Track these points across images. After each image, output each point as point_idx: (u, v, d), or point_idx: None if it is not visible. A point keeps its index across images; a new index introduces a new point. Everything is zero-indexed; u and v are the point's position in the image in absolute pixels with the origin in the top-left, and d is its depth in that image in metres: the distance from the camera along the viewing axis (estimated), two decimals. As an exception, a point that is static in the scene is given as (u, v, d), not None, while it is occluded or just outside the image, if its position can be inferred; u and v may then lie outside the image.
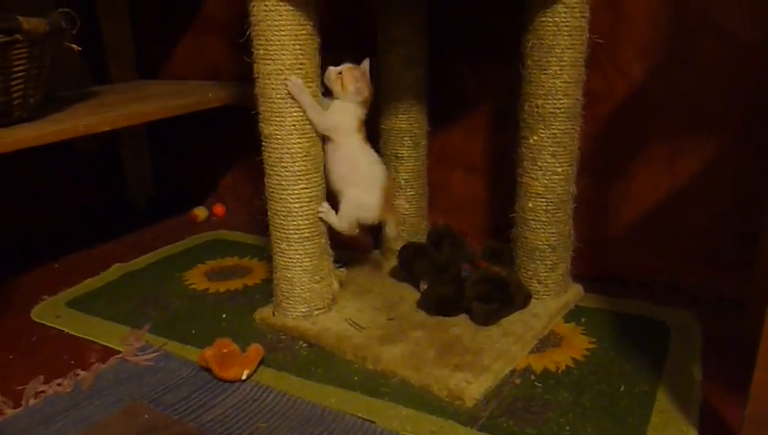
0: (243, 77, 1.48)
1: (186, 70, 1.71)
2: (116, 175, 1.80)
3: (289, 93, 0.98)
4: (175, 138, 1.77)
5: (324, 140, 1.06)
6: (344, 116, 1.07)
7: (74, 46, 1.14)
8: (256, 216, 1.58)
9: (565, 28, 1.00)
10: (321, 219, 1.07)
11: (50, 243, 1.55)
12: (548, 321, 1.08)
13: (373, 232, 1.41)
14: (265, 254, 1.30)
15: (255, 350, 0.99)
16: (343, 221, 1.09)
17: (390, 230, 1.15)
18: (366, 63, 1.09)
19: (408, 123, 1.24)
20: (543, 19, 1.01)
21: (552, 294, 1.13)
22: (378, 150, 1.24)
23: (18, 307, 1.22)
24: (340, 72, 1.07)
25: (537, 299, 1.12)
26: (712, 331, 1.07)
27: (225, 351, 0.98)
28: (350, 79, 1.06)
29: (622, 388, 0.91)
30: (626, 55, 1.15)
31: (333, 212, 1.09)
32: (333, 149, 1.07)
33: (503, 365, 0.95)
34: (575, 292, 1.17)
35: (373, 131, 1.20)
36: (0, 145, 0.98)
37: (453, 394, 0.89)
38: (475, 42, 1.28)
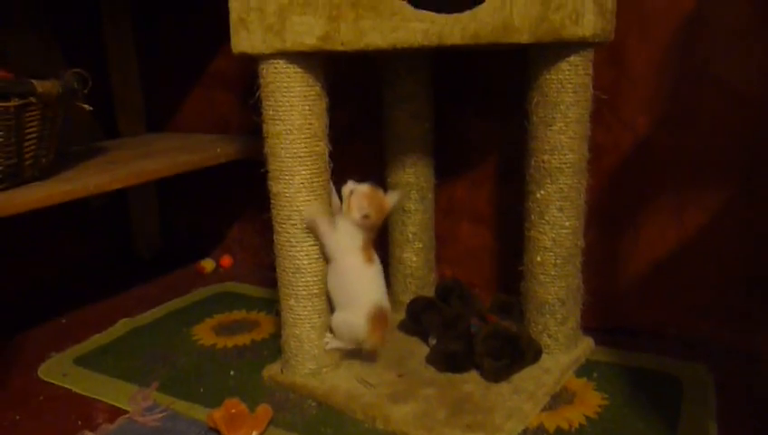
0: (251, 131, 1.51)
1: (194, 123, 1.74)
2: (123, 226, 1.81)
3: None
4: (182, 189, 1.79)
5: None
6: (344, 237, 1.04)
7: (86, 106, 1.16)
8: (263, 267, 1.59)
9: (569, 85, 1.01)
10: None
11: (57, 297, 1.55)
12: (559, 376, 1.06)
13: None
14: (274, 309, 1.29)
15: (264, 410, 0.98)
16: (341, 341, 1.08)
17: (367, 346, 1.08)
18: (391, 198, 1.09)
19: (414, 177, 1.25)
20: (548, 77, 1.02)
21: (563, 349, 1.12)
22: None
23: (25, 365, 1.21)
24: (351, 192, 1.05)
25: (548, 354, 1.11)
26: (725, 384, 1.05)
27: (234, 411, 0.97)
28: (356, 206, 1.03)
29: (637, 448, 0.90)
30: (630, 109, 1.16)
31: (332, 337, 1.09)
32: (330, 259, 1.05)
33: (515, 424, 0.94)
34: (586, 345, 1.16)
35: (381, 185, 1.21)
36: (11, 206, 0.99)
37: (465, 456, 0.88)
38: (480, 95, 1.30)
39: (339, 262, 1.05)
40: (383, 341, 1.07)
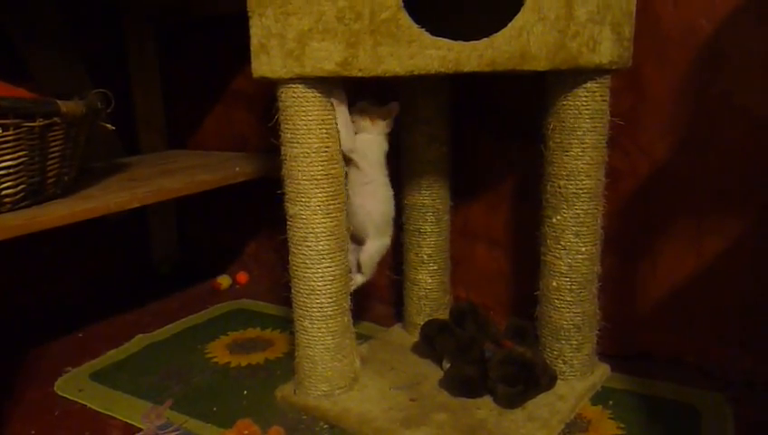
0: (269, 149, 1.52)
1: (214, 140, 1.76)
2: (141, 241, 1.83)
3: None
4: (200, 205, 1.81)
5: (347, 175, 1.09)
6: (371, 146, 1.11)
7: (109, 126, 1.18)
8: (279, 285, 1.59)
9: (586, 111, 1.01)
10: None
11: (74, 311, 1.57)
12: (574, 404, 1.05)
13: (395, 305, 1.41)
14: (288, 329, 1.30)
15: (276, 432, 0.98)
16: (366, 275, 1.18)
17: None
18: (393, 107, 1.13)
19: (430, 199, 1.25)
20: (564, 103, 1.02)
21: (578, 375, 1.11)
22: (401, 226, 1.26)
23: (42, 379, 1.22)
24: (364, 110, 1.10)
25: (563, 380, 1.10)
26: (744, 415, 1.03)
27: (246, 432, 0.97)
28: (384, 114, 1.11)
29: (653, 480, 0.89)
30: (648, 136, 1.15)
31: (359, 275, 1.17)
32: (362, 182, 1.11)
33: (528, 453, 0.93)
34: (602, 372, 1.15)
35: (396, 206, 1.22)
36: (34, 224, 1.01)
37: (477, 484, 0.87)
38: (497, 119, 1.30)
39: (377, 181, 1.12)
40: None
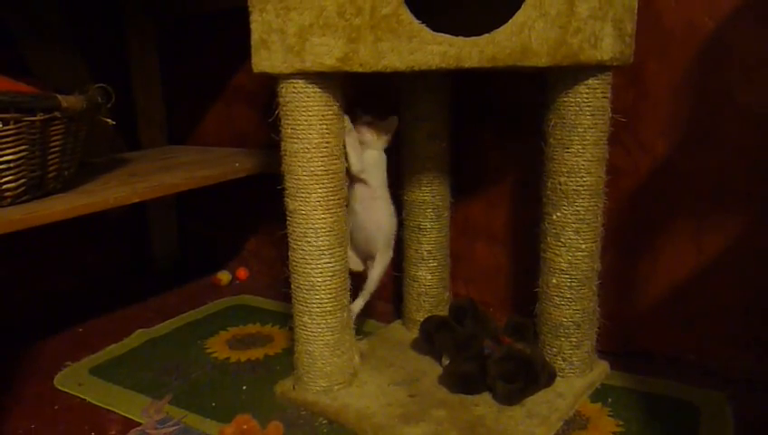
0: (268, 144, 1.52)
1: (215, 136, 1.76)
2: (141, 237, 1.83)
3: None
4: (200, 200, 1.80)
5: (353, 191, 1.12)
6: (378, 162, 1.15)
7: (109, 121, 1.18)
8: (278, 280, 1.59)
9: (587, 108, 1.01)
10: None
11: (74, 306, 1.57)
12: (573, 401, 1.05)
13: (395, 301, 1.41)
14: (288, 325, 1.30)
15: (275, 427, 0.98)
16: (372, 290, 1.19)
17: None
18: (393, 121, 1.17)
19: (431, 195, 1.25)
20: (565, 99, 1.02)
21: (578, 373, 1.11)
22: (400, 222, 1.26)
23: (42, 373, 1.22)
24: (370, 123, 1.14)
25: (562, 377, 1.10)
26: (744, 414, 1.03)
27: (245, 427, 0.97)
28: (387, 130, 1.16)
29: (652, 477, 0.89)
30: (649, 132, 1.15)
31: (359, 300, 1.20)
32: (371, 197, 1.15)
33: (527, 449, 0.93)
34: (601, 370, 1.15)
35: (396, 203, 1.22)
36: (33, 218, 1.01)
37: (476, 480, 0.87)
38: (497, 115, 1.30)
39: (384, 196, 1.17)
40: None
